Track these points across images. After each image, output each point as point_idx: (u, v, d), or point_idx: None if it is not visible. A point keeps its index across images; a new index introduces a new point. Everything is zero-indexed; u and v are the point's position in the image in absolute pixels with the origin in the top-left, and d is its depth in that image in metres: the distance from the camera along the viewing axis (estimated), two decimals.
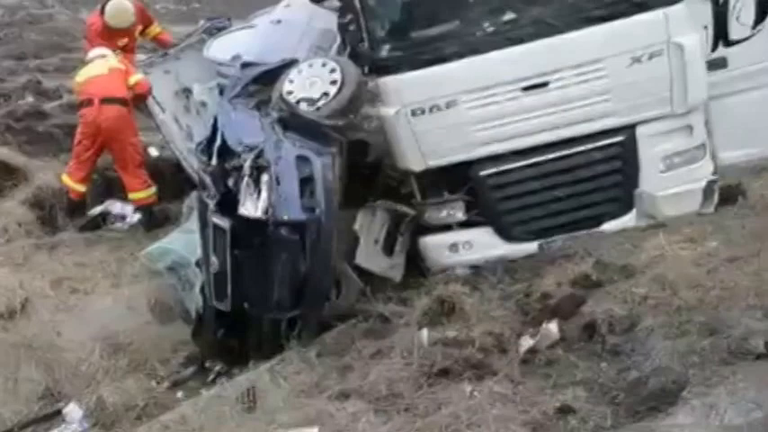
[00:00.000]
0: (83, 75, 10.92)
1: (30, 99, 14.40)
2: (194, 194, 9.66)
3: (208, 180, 8.11)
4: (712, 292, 6.93)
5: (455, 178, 9.08)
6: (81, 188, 10.58)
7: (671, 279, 7.18)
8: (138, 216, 10.65)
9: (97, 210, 10.78)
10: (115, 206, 10.85)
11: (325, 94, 8.39)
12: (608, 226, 8.83)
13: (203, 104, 10.78)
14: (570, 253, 8.41)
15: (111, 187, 11.07)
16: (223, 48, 10.39)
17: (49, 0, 23.35)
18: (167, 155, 11.33)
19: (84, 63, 11.62)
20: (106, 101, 10.36)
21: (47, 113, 13.13)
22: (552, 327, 7.12)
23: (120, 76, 10.64)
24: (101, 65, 10.82)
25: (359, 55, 8.95)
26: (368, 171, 9.80)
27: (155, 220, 10.52)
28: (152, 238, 9.88)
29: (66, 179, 10.56)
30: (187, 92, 11.15)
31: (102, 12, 11.94)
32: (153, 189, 10.61)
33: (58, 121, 12.76)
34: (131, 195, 10.55)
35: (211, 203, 8.00)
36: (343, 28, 9.14)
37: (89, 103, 10.46)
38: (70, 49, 17.55)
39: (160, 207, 10.67)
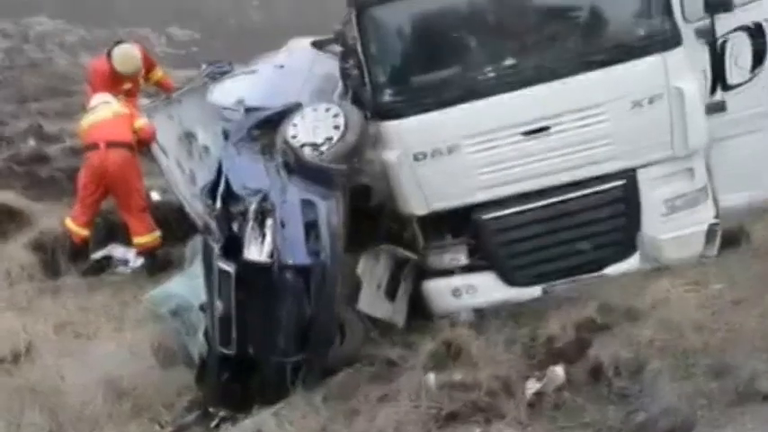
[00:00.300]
0: (88, 120, 10.96)
1: (32, 143, 14.48)
2: (197, 238, 9.68)
3: (213, 224, 8.15)
4: (718, 335, 6.96)
5: (458, 222, 9.11)
6: (84, 232, 10.58)
7: (676, 322, 7.19)
8: (140, 260, 10.65)
9: (100, 254, 10.77)
10: (117, 250, 10.85)
11: (329, 138, 8.46)
12: (611, 270, 8.84)
13: (206, 149, 10.83)
14: (574, 297, 8.41)
15: (114, 231, 11.07)
16: (226, 92, 10.43)
17: (48, 45, 23.51)
18: (170, 199, 11.33)
19: (86, 109, 11.65)
20: (112, 145, 10.40)
21: (49, 157, 13.20)
22: (558, 370, 7.13)
23: (125, 121, 10.69)
24: (106, 110, 10.87)
25: (361, 100, 9.04)
26: (370, 215, 9.82)
27: (158, 265, 10.52)
28: (155, 283, 9.86)
29: (69, 223, 10.56)
30: (190, 136, 11.18)
31: (109, 56, 11.97)
32: (157, 233, 10.62)
33: (61, 164, 12.83)
34: (135, 239, 10.54)
35: (216, 247, 8.02)
36: (345, 73, 9.26)
37: (95, 147, 10.49)
38: (71, 93, 17.62)
39: (163, 251, 10.66)
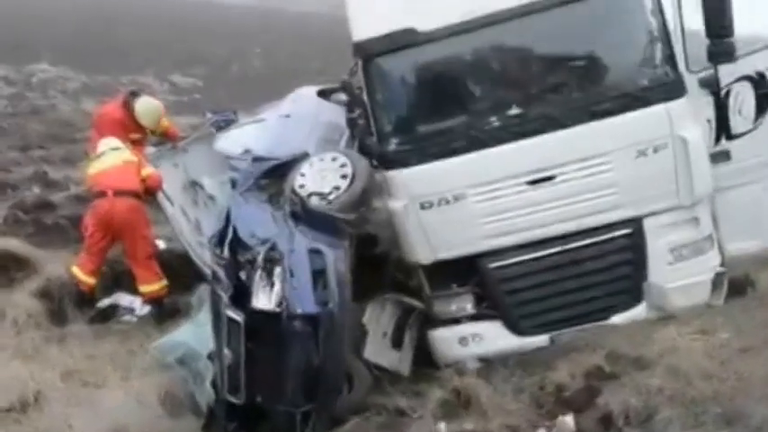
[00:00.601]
0: (96, 166, 10.89)
1: (36, 190, 14.50)
2: (204, 286, 9.70)
3: (221, 273, 8.16)
4: (727, 383, 6.95)
5: (464, 271, 9.13)
6: (91, 280, 10.52)
7: (685, 370, 7.19)
8: (147, 308, 10.56)
9: (106, 302, 10.70)
10: (124, 299, 10.75)
11: (337, 187, 8.56)
12: (618, 318, 8.86)
13: (212, 198, 10.87)
14: (581, 345, 8.40)
15: (120, 279, 11.01)
16: (233, 141, 10.50)
17: (51, 91, 23.61)
18: (175, 247, 11.29)
19: (91, 154, 11.64)
20: (120, 193, 10.35)
21: (54, 204, 13.14)
22: (568, 419, 7.14)
23: (133, 169, 10.66)
24: (114, 157, 10.82)
25: (367, 149, 9.12)
26: (375, 264, 9.85)
27: (165, 313, 10.46)
28: (161, 331, 9.80)
29: (76, 271, 10.49)
30: (195, 185, 11.21)
31: (125, 105, 11.88)
32: (164, 282, 10.56)
33: (66, 212, 12.74)
34: (142, 288, 10.47)
35: (225, 296, 8.03)
36: (351, 122, 9.33)
37: (102, 194, 10.44)
38: (74, 139, 17.64)
39: (170, 299, 10.59)
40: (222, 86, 26.58)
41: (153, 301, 10.52)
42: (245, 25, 39.94)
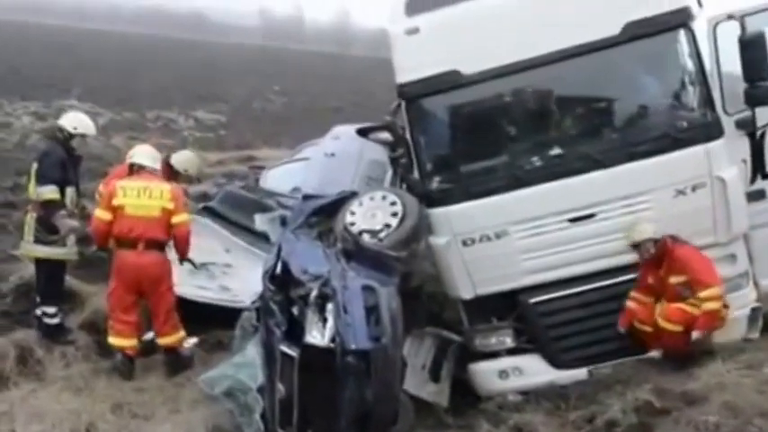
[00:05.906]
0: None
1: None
2: (245, 315, 9.78)
3: (275, 308, 8.30)
4: None
5: (503, 305, 9.34)
6: (132, 342, 9.91)
7: (740, 407, 7.20)
8: (193, 340, 10.53)
9: (149, 335, 10.78)
10: None
11: (387, 225, 8.73)
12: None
13: (228, 265, 10.99)
14: (623, 379, 8.52)
15: None
16: (279, 179, 10.69)
17: None
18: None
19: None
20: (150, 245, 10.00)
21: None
22: None
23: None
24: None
25: (410, 186, 9.34)
26: (409, 297, 9.99)
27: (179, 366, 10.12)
28: (206, 363, 9.89)
29: (114, 342, 9.99)
30: (205, 265, 11.04)
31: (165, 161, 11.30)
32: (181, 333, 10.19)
33: None
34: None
35: (278, 331, 8.19)
36: (394, 161, 9.51)
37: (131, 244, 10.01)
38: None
39: (213, 334, 10.62)
40: (244, 123, 26.76)
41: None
42: (262, 65, 40.21)
